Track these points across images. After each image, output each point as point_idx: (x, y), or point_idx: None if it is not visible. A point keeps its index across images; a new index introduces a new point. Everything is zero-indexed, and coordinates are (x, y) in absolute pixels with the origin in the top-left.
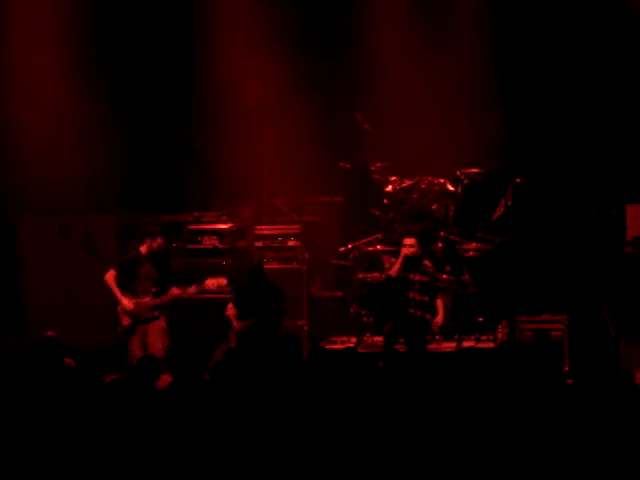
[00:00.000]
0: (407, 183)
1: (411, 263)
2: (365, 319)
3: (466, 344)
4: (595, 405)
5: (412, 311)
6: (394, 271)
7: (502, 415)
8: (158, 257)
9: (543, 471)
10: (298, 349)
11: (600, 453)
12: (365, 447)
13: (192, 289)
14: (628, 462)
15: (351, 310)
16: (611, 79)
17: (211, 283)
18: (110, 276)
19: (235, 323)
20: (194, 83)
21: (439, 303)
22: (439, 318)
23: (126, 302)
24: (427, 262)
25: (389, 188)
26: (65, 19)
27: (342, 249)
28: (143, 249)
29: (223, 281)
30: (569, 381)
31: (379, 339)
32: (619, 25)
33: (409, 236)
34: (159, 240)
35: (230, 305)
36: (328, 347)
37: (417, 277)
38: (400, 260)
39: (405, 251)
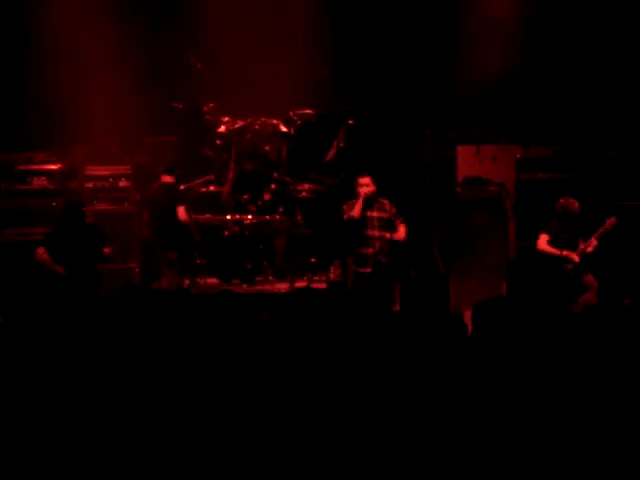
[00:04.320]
0: (240, 124)
1: (369, 202)
2: (198, 261)
3: (298, 284)
4: (424, 344)
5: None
6: (357, 212)
7: (332, 354)
8: None
9: (372, 411)
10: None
11: (430, 391)
12: (198, 388)
13: None
14: (455, 399)
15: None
16: (438, 19)
17: None
18: None
19: (57, 268)
20: (22, 20)
21: (401, 227)
22: (400, 233)
23: None
24: (383, 199)
25: (222, 129)
26: None
27: None
28: None
29: None
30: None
31: (212, 281)
32: None
33: (363, 175)
34: None
35: (41, 250)
36: (160, 289)
37: (375, 214)
38: (360, 201)
39: (364, 190)
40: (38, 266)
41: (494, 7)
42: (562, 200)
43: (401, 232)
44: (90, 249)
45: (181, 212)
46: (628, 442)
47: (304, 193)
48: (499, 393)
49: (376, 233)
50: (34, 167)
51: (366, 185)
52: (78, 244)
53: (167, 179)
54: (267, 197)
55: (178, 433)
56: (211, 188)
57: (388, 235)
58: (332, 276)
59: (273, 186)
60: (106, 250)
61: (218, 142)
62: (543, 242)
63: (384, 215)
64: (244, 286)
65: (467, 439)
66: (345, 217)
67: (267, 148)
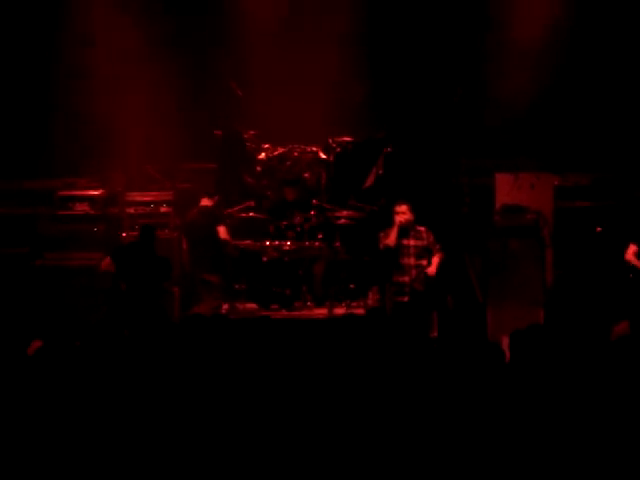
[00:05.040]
0: (280, 151)
1: (405, 230)
2: (237, 286)
3: (337, 311)
4: (462, 371)
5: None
6: (392, 240)
7: (372, 380)
8: None
9: (410, 436)
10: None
11: (468, 418)
12: (236, 412)
13: None
14: (493, 426)
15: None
16: (475, 47)
17: None
18: None
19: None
20: (63, 45)
21: (434, 259)
22: (432, 268)
23: None
24: (420, 227)
25: (262, 156)
26: None
27: None
28: None
29: None
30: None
31: (251, 306)
32: None
33: (400, 203)
34: None
35: (107, 260)
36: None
37: (412, 242)
38: (395, 229)
39: (400, 219)
40: (102, 276)
41: (529, 38)
42: None
43: (432, 266)
44: (156, 279)
45: (222, 231)
46: None
47: (343, 220)
48: (537, 420)
49: (412, 261)
50: (76, 193)
51: (402, 213)
52: (146, 270)
53: (206, 202)
54: (306, 224)
55: (214, 456)
56: (250, 214)
57: (425, 262)
58: (370, 302)
59: (312, 212)
60: (166, 285)
61: (258, 169)
62: (631, 253)
63: (421, 243)
64: (283, 312)
65: (506, 465)
66: (381, 245)
67: (306, 175)
